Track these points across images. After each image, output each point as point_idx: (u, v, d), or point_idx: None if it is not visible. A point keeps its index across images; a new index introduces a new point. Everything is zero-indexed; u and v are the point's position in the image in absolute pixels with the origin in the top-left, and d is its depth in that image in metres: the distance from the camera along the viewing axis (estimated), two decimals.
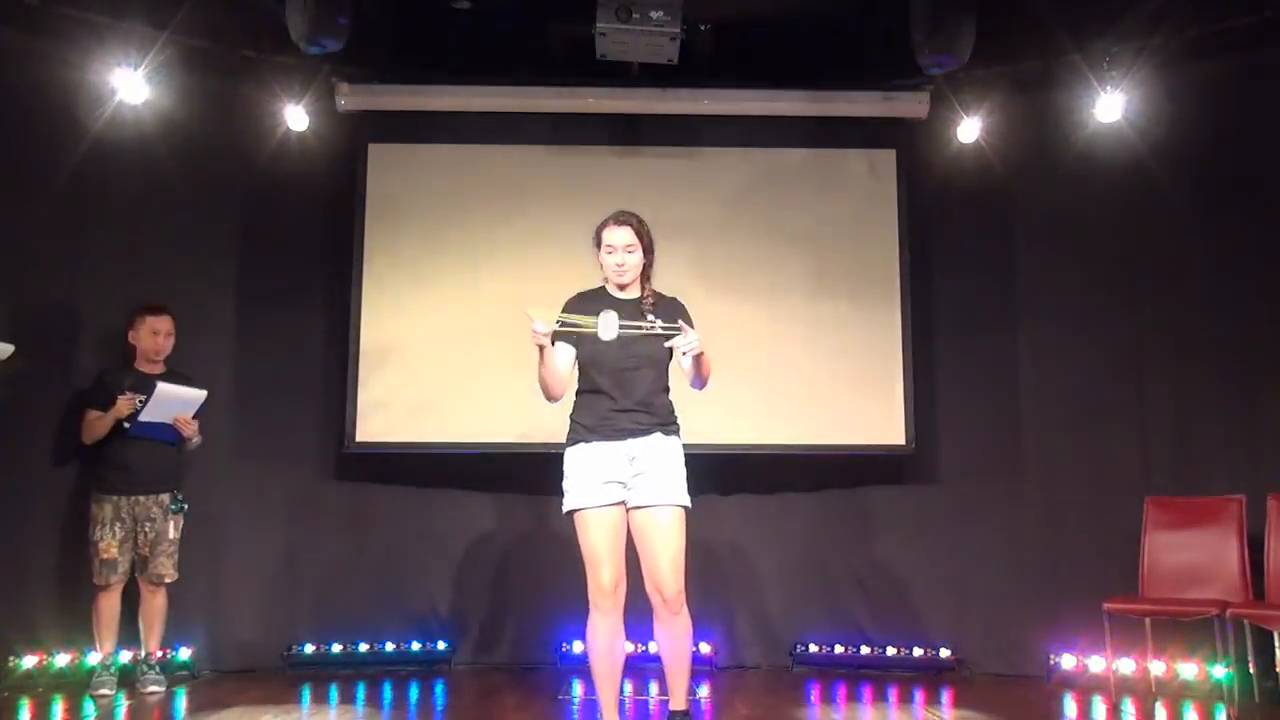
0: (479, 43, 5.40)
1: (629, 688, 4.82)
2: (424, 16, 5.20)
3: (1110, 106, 5.11)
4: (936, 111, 5.56)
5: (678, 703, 3.57)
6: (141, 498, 4.79)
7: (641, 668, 5.12)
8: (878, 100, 5.57)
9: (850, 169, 5.80)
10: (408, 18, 5.22)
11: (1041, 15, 5.02)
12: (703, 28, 5.14)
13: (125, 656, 4.92)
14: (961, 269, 5.73)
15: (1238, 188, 5.25)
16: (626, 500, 3.54)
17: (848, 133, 5.74)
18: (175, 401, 4.75)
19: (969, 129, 5.49)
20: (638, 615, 3.67)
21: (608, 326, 3.48)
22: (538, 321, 3.45)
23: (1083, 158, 5.41)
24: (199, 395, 4.82)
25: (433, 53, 5.48)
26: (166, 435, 4.81)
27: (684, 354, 3.48)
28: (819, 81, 5.54)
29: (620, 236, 3.61)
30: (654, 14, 4.78)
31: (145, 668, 4.83)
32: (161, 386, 4.70)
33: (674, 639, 3.54)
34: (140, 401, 4.69)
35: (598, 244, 3.67)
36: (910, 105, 5.56)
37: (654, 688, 4.87)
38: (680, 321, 3.51)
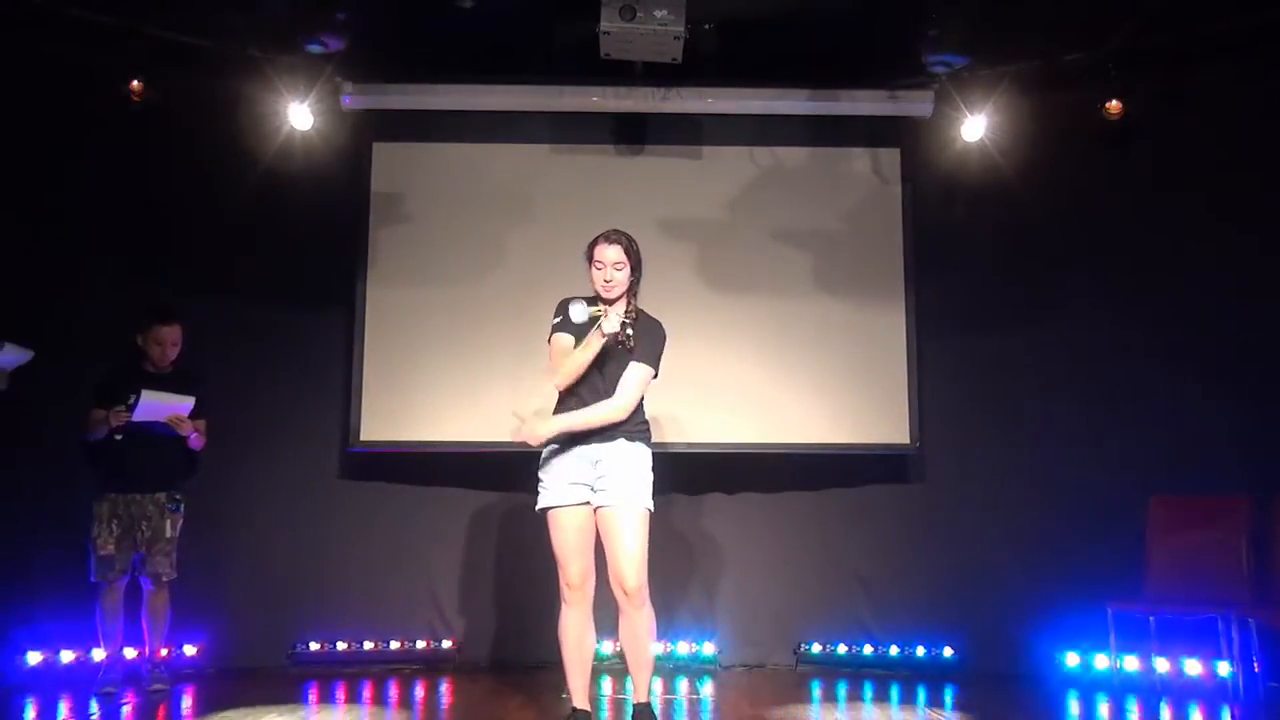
0: (483, 41, 5.40)
1: (610, 686, 4.93)
2: (428, 15, 5.19)
3: (1115, 105, 5.09)
4: (941, 110, 5.55)
5: (640, 696, 3.74)
6: (138, 496, 4.80)
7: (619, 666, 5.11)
8: (882, 99, 5.55)
9: (855, 168, 5.80)
10: (412, 16, 5.22)
11: (1047, 14, 5.00)
12: (707, 27, 5.12)
13: (130, 654, 4.94)
14: (966, 268, 5.72)
15: (1243, 187, 5.25)
16: (591, 500, 3.73)
17: (852, 131, 5.74)
18: (163, 407, 4.76)
19: (973, 128, 5.47)
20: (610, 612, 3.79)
21: (578, 313, 3.64)
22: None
23: (1087, 157, 5.40)
24: (185, 403, 4.81)
25: (437, 51, 5.47)
26: (168, 430, 4.82)
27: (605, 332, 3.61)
28: (823, 80, 5.53)
29: (610, 254, 3.75)
30: (658, 13, 4.78)
31: (149, 666, 4.84)
32: (146, 394, 4.71)
33: (636, 634, 3.71)
34: (130, 407, 4.71)
35: (589, 260, 3.80)
36: (915, 104, 5.55)
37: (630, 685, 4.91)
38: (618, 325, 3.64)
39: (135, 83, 5.05)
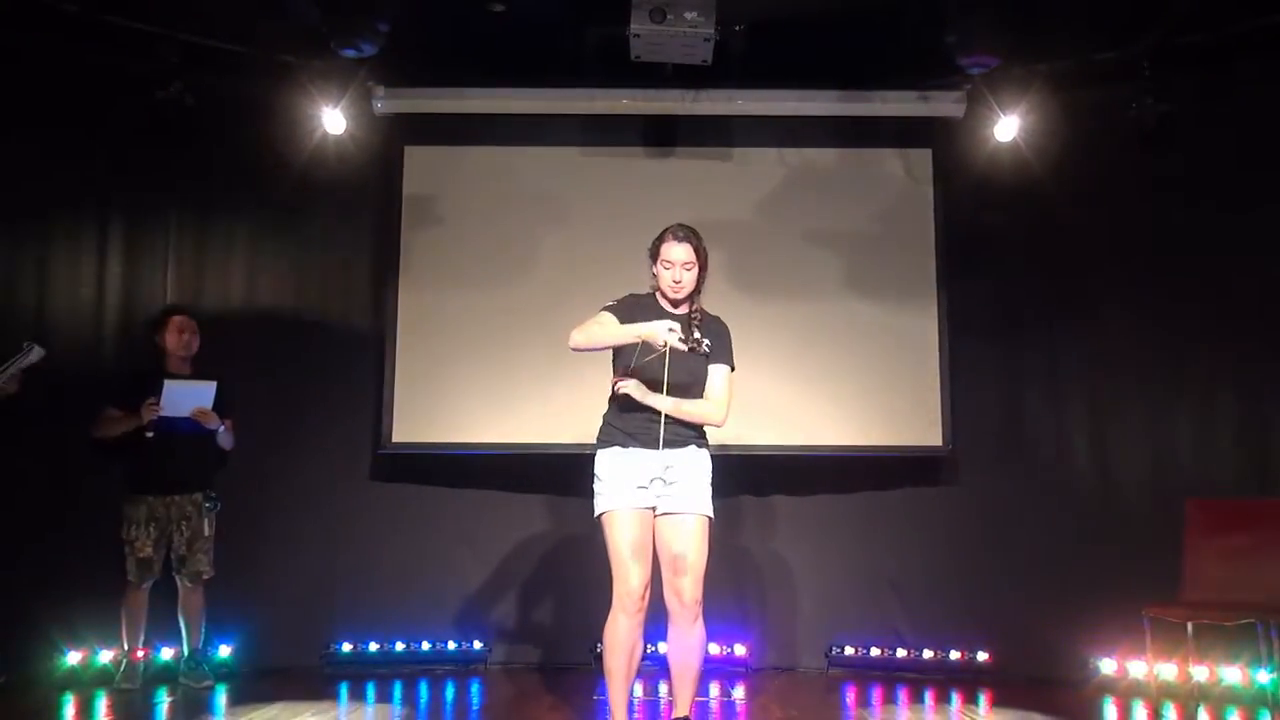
0: (514, 45, 5.42)
1: (639, 689, 4.87)
2: (459, 19, 5.23)
3: (1146, 106, 5.04)
4: (973, 110, 5.52)
5: (681, 709, 3.59)
6: (176, 497, 4.89)
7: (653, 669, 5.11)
8: (913, 100, 5.53)
9: (886, 169, 5.77)
10: (442, 20, 5.25)
11: (1079, 13, 4.96)
12: (737, 28, 5.12)
13: (167, 654, 5.06)
14: (998, 269, 5.68)
15: (1274, 185, 5.16)
16: (655, 506, 3.59)
17: (883, 132, 5.72)
18: (188, 395, 4.84)
19: (1006, 128, 5.43)
20: (649, 615, 3.67)
21: (663, 330, 3.41)
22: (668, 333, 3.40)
23: (1122, 156, 5.34)
24: (208, 386, 4.89)
25: (468, 55, 5.50)
26: (198, 426, 4.89)
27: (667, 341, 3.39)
28: (854, 81, 5.51)
29: (680, 253, 3.62)
30: (688, 15, 4.78)
31: (194, 663, 4.93)
32: (169, 384, 4.81)
33: (687, 647, 3.56)
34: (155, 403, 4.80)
35: (654, 257, 3.67)
36: (946, 105, 5.53)
37: (663, 688, 4.89)
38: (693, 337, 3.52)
39: (170, 89, 5.09)
